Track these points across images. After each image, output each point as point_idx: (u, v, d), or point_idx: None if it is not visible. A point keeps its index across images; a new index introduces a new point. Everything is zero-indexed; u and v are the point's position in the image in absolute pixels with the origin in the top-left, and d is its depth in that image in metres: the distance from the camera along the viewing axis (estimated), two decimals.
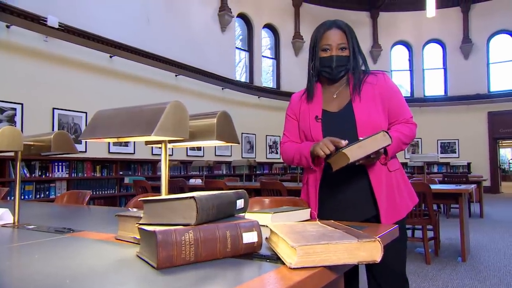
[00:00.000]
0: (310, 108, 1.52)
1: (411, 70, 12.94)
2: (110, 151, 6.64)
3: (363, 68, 1.52)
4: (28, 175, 5.35)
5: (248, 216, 1.16)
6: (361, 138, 1.28)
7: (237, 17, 10.23)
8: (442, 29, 12.41)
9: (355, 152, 1.24)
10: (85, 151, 6.16)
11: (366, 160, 1.33)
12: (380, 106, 1.45)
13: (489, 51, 12.16)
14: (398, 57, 13.11)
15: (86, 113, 6.23)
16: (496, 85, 12.03)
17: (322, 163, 1.45)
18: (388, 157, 1.42)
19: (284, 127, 1.63)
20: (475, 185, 4.49)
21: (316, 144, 1.38)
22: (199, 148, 8.59)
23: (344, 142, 1.30)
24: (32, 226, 1.22)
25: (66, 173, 5.81)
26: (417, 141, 12.40)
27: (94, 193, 6.14)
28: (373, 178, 1.41)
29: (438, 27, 12.39)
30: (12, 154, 1.33)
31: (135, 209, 1.48)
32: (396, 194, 1.43)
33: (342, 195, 1.45)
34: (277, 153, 11.05)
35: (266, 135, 10.72)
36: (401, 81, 13.06)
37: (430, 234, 3.74)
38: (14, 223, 1.27)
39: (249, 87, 10.30)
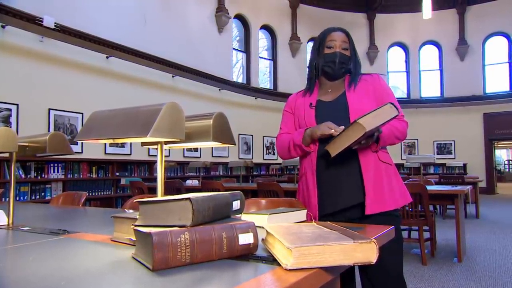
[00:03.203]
0: (305, 99, 1.60)
1: (407, 72, 13.00)
2: (107, 152, 6.62)
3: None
4: (23, 176, 5.32)
5: (245, 217, 1.16)
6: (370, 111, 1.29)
7: (234, 18, 10.23)
8: (438, 30, 12.47)
9: (369, 122, 1.24)
10: (81, 152, 6.13)
11: (358, 144, 1.37)
12: (374, 100, 1.51)
13: (485, 52, 12.24)
14: (395, 58, 13.16)
15: (82, 113, 6.21)
16: (492, 87, 12.10)
17: (315, 146, 1.50)
18: (379, 146, 1.46)
19: (280, 123, 1.70)
20: (471, 186, 4.51)
21: (318, 126, 1.44)
22: (196, 149, 8.57)
23: (340, 128, 1.36)
24: (27, 228, 1.21)
25: (62, 174, 5.78)
26: (414, 142, 12.45)
27: (90, 194, 6.11)
28: (363, 163, 1.45)
29: (434, 29, 12.45)
30: (7, 155, 1.32)
31: (131, 210, 1.47)
32: (384, 185, 1.46)
33: (334, 180, 1.48)
34: (274, 154, 11.05)
35: (263, 136, 10.72)
36: (398, 83, 13.12)
37: (426, 235, 3.75)
38: (8, 224, 1.26)
39: (246, 88, 10.31)
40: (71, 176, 5.89)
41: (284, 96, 10.73)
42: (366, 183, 1.43)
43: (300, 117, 1.58)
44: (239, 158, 9.69)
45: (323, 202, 1.48)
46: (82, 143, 6.05)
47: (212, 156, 9.08)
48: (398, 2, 12.51)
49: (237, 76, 10.68)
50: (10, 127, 5.24)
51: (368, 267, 1.43)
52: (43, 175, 5.54)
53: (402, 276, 1.48)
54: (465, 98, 11.98)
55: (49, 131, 5.66)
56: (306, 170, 1.56)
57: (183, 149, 8.15)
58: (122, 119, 0.93)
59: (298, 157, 1.62)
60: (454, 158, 11.96)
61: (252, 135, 10.33)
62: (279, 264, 0.69)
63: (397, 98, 1.59)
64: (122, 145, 6.88)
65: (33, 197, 5.41)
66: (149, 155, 7.35)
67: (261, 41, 11.35)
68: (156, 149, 1.03)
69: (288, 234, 0.76)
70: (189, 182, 5.62)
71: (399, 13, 12.65)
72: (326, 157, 1.44)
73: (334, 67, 1.54)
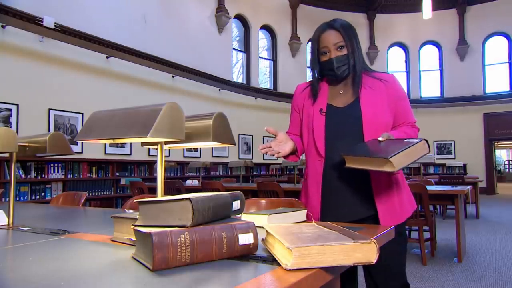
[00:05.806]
0: (314, 101, 1.51)
1: (407, 72, 13.00)
2: (107, 152, 6.62)
3: (365, 65, 1.51)
4: (23, 176, 5.31)
5: (245, 217, 1.16)
6: (400, 148, 1.22)
7: (234, 18, 10.23)
8: (438, 31, 12.48)
9: (400, 161, 1.19)
10: (81, 152, 6.13)
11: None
12: (388, 106, 1.45)
13: (485, 53, 12.24)
14: (395, 58, 13.16)
15: (82, 114, 6.21)
16: (492, 87, 12.10)
17: (321, 158, 1.45)
18: None
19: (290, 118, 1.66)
20: (471, 186, 4.51)
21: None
22: (196, 149, 8.57)
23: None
24: (27, 228, 1.21)
25: (62, 174, 5.78)
26: None
27: (90, 194, 6.11)
28: (374, 178, 1.40)
29: (434, 29, 12.46)
30: (7, 155, 1.32)
31: (131, 211, 1.47)
32: (395, 197, 1.42)
33: (341, 191, 1.43)
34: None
35: (263, 136, 10.72)
36: None
37: (426, 235, 3.75)
38: (8, 224, 1.26)
39: (246, 88, 10.31)
40: (71, 176, 5.89)
41: (284, 96, 10.74)
42: (377, 200, 1.39)
43: (309, 120, 1.49)
44: (239, 158, 9.69)
45: (325, 213, 1.43)
46: (82, 143, 6.04)
47: (212, 156, 9.07)
48: (398, 2, 12.52)
49: (237, 76, 10.68)
50: (10, 127, 5.24)
51: (372, 267, 1.42)
52: (43, 175, 5.54)
53: (405, 278, 1.47)
54: (465, 98, 11.98)
55: (49, 131, 5.66)
56: (308, 175, 1.51)
57: (183, 149, 8.15)
58: (122, 119, 0.93)
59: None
60: (454, 158, 11.96)
61: (252, 135, 10.32)
62: (279, 264, 0.69)
63: None
64: (122, 145, 6.88)
65: (33, 197, 5.41)
66: (149, 155, 7.35)
67: (261, 41, 11.35)
68: (156, 149, 1.03)
69: (288, 234, 0.76)
70: (189, 182, 5.62)
71: (399, 13, 12.66)
72: (334, 166, 1.40)
73: (335, 73, 1.46)
